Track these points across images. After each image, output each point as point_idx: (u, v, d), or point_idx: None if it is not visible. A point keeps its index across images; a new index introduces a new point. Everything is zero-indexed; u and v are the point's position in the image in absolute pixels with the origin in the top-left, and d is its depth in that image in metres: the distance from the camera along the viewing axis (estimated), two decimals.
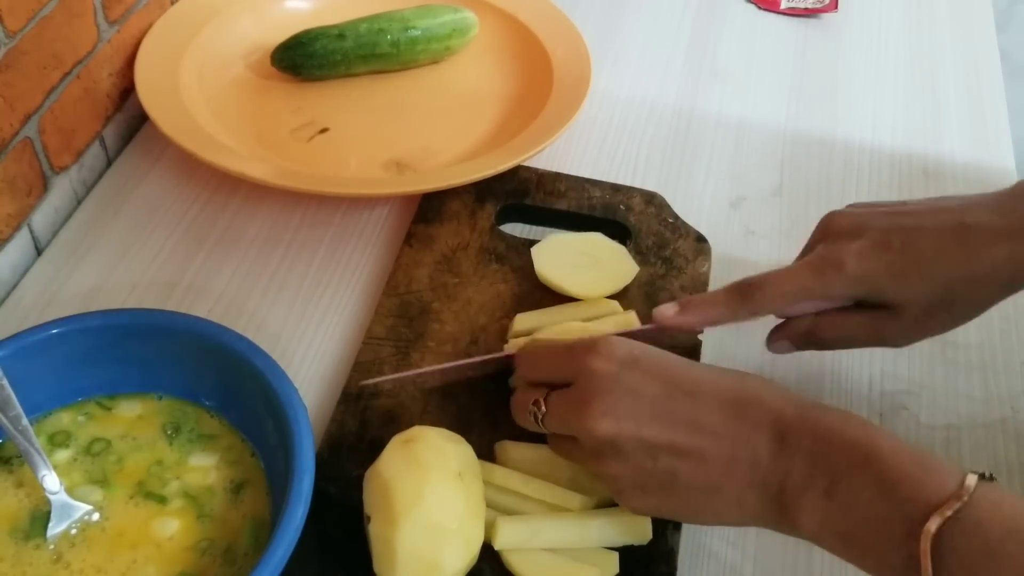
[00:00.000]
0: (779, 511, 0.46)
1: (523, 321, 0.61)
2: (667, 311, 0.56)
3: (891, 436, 0.45)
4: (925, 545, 0.40)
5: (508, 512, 0.53)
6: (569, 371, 0.51)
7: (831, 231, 0.55)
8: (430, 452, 0.50)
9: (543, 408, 0.51)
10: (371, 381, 0.58)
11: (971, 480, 0.41)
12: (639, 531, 0.52)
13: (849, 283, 0.53)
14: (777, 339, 0.58)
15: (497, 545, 0.51)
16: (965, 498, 0.40)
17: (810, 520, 0.45)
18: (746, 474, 0.46)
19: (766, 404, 0.47)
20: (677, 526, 0.53)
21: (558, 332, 0.58)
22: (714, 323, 0.56)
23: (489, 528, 0.51)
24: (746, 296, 0.55)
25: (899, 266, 0.52)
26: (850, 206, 0.58)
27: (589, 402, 0.48)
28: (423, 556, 0.48)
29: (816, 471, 0.45)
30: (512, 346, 0.59)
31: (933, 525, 0.40)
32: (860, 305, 0.54)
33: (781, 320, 0.58)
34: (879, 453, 0.43)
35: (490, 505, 0.53)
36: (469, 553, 0.49)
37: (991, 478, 0.42)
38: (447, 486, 0.49)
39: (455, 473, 0.50)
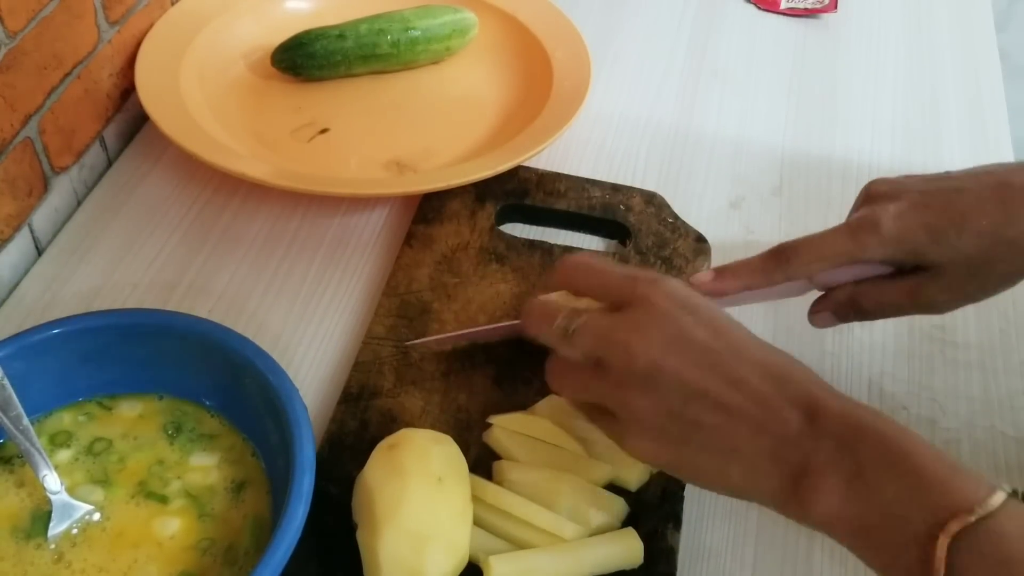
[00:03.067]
0: (792, 489, 0.44)
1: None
2: (703, 278, 0.56)
3: (924, 440, 0.44)
4: (943, 547, 0.39)
5: (498, 533, 0.52)
6: (623, 294, 0.49)
7: (870, 196, 0.55)
8: (412, 457, 0.50)
9: (579, 320, 0.49)
10: (419, 341, 0.60)
11: (1000, 494, 0.40)
12: (631, 556, 0.51)
13: (885, 243, 0.52)
14: (818, 311, 0.57)
15: None
16: (992, 507, 0.40)
17: (825, 505, 0.43)
18: (768, 444, 0.45)
19: (805, 385, 0.46)
20: (677, 526, 0.53)
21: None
22: (750, 287, 0.56)
23: (481, 563, 0.50)
24: (782, 260, 0.54)
25: (937, 225, 0.51)
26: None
27: (640, 328, 0.47)
28: (405, 563, 0.48)
29: (844, 456, 0.43)
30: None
31: (955, 527, 0.40)
32: (899, 272, 0.54)
33: (821, 294, 0.58)
34: (912, 451, 0.43)
35: (480, 524, 0.52)
36: (454, 558, 0.49)
37: (1022, 496, 0.41)
38: (427, 492, 0.49)
39: (435, 478, 0.50)
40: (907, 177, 0.56)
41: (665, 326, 0.47)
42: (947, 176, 0.55)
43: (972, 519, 0.40)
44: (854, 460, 0.43)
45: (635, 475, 0.55)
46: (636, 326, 0.47)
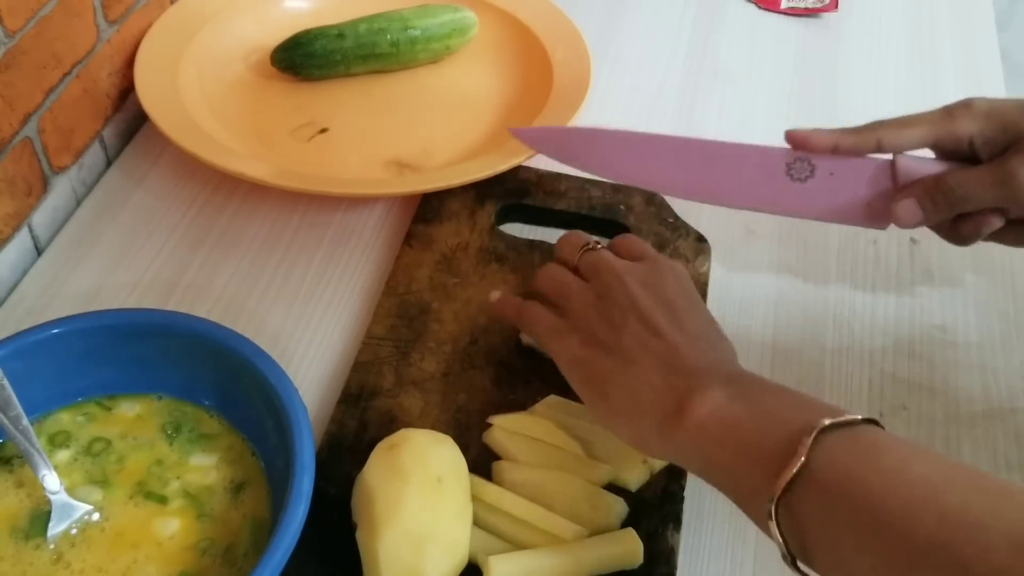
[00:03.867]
0: (676, 405, 0.47)
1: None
2: (797, 134, 0.59)
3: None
4: (810, 436, 0.41)
5: (497, 533, 0.52)
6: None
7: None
8: (411, 458, 0.50)
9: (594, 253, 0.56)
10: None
11: (857, 417, 0.43)
12: (631, 556, 0.51)
13: (978, 117, 0.54)
14: (904, 197, 0.57)
15: None
16: (858, 419, 0.42)
17: (704, 407, 0.46)
18: (672, 375, 0.49)
19: (729, 357, 0.51)
20: (677, 526, 0.53)
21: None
22: (839, 148, 0.58)
23: (480, 564, 0.50)
24: (875, 126, 0.57)
25: None
26: None
27: (631, 272, 0.54)
28: (405, 563, 0.48)
29: (732, 382, 0.47)
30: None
31: (825, 422, 0.42)
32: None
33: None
34: (795, 392, 0.47)
35: (480, 524, 0.52)
36: (454, 558, 0.49)
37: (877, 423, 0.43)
38: (426, 493, 0.49)
39: (435, 479, 0.50)
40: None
41: (632, 270, 0.54)
42: None
43: (842, 419, 0.42)
44: (740, 385, 0.47)
45: (635, 475, 0.54)
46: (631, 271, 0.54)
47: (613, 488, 0.54)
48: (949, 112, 0.56)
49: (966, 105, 0.56)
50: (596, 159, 0.63)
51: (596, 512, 0.53)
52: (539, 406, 0.58)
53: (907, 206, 0.57)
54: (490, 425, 0.57)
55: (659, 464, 0.55)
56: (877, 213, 0.59)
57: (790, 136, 0.60)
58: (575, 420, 0.56)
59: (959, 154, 0.57)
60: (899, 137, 0.57)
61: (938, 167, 0.57)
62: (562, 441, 0.55)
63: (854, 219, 0.59)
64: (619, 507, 0.53)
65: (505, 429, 0.56)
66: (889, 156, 0.59)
